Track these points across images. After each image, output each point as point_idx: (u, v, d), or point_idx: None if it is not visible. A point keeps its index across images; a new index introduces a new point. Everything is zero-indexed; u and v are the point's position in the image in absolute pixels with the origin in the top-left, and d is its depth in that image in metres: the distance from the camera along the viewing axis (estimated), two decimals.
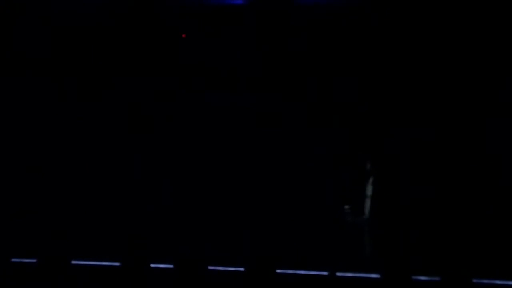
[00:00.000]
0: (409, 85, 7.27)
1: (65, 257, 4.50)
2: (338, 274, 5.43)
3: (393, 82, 7.18)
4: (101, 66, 7.45)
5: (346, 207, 7.62)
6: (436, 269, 5.28)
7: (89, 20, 7.02)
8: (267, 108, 7.71)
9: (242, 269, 4.49)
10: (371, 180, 7.52)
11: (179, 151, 7.83)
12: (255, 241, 7.01)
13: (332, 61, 7.29)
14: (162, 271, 5.17)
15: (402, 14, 6.89)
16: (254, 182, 7.71)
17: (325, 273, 5.40)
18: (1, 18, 6.88)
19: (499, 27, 6.83)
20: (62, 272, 4.49)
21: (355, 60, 7.24)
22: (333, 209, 7.56)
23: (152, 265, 4.76)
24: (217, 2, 6.76)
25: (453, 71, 7.25)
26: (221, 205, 7.64)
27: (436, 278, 3.86)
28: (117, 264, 4.97)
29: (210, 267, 4.74)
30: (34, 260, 4.85)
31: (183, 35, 7.27)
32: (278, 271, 4.91)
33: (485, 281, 5.36)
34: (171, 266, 4.98)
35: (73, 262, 4.91)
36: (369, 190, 7.53)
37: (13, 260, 4.94)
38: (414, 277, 5.03)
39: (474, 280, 5.10)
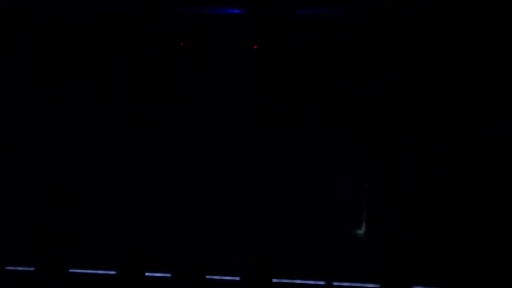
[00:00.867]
0: (409, 87, 7.29)
1: (63, 265, 4.47)
2: (335, 283, 5.42)
3: (392, 85, 7.20)
4: (101, 69, 7.47)
5: (344, 215, 7.62)
6: (436, 279, 5.27)
7: (84, 28, 7.05)
8: (264, 115, 7.72)
9: (237, 278, 4.48)
10: (369, 187, 7.53)
11: (177, 156, 7.86)
12: (251, 249, 7.02)
13: (330, 68, 7.31)
14: (159, 280, 5.16)
15: (398, 26, 6.91)
16: (249, 190, 7.71)
17: (322, 282, 5.39)
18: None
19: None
20: (59, 280, 4.46)
21: (354, 68, 7.26)
22: (330, 217, 7.56)
23: (147, 274, 4.74)
24: (215, 11, 6.78)
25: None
26: (216, 212, 7.63)
27: None
28: (112, 272, 4.96)
29: (206, 276, 4.71)
30: (30, 269, 4.84)
31: (181, 44, 7.29)
32: (274, 280, 4.89)
33: None
34: (168, 275, 4.97)
35: (71, 270, 4.89)
36: (367, 197, 7.54)
37: (8, 268, 4.91)
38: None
39: None
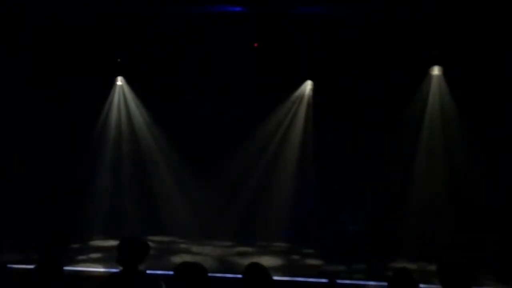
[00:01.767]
0: (408, 88, 7.30)
1: (58, 263, 4.43)
2: (338, 281, 5.40)
3: (391, 87, 7.20)
4: (100, 70, 7.49)
5: (345, 215, 7.62)
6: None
7: (84, 28, 7.06)
8: (262, 117, 7.75)
9: (240, 276, 4.44)
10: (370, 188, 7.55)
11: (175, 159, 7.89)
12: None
13: (329, 69, 7.32)
14: (160, 278, 5.12)
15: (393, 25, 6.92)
16: (253, 187, 7.74)
17: (324, 280, 5.38)
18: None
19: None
20: (56, 278, 4.42)
21: (352, 68, 7.27)
22: (333, 217, 7.56)
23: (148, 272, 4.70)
24: (216, 9, 6.77)
25: None
26: (219, 212, 7.65)
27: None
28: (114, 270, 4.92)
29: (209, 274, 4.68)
30: (30, 266, 4.80)
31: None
32: (276, 278, 4.85)
33: None
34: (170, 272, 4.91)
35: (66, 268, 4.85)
36: (368, 198, 7.56)
37: (9, 266, 4.89)
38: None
39: None
